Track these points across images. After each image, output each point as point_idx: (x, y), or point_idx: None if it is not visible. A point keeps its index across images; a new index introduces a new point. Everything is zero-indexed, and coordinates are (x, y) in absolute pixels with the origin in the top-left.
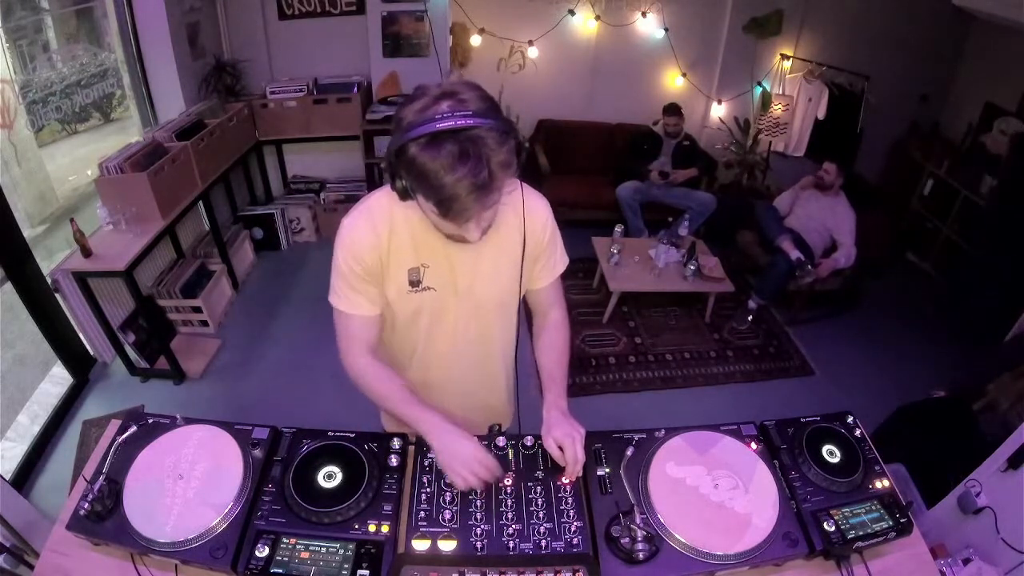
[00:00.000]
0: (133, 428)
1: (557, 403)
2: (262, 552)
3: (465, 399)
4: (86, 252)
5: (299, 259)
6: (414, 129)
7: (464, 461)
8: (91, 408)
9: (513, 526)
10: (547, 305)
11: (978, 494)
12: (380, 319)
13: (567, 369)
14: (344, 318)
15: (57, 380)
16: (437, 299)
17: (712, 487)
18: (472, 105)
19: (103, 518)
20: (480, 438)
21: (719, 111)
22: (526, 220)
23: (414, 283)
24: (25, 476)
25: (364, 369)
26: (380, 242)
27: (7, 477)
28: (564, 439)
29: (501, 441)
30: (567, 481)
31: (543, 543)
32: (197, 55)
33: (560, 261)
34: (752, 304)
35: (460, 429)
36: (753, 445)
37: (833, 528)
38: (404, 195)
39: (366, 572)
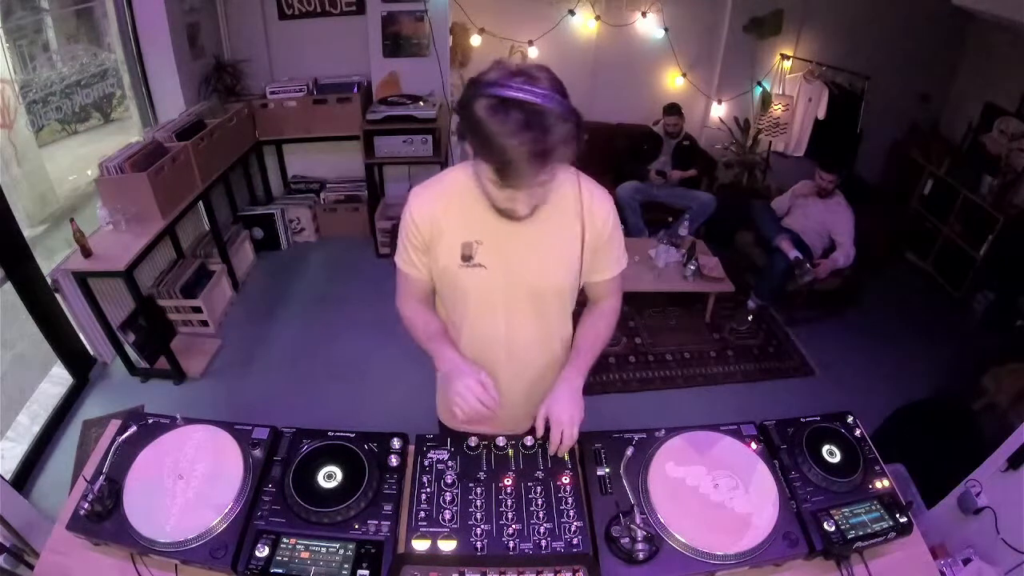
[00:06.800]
0: (133, 428)
1: (570, 377)
2: (262, 552)
3: (523, 385)
4: (86, 252)
5: (299, 259)
6: (485, 88)
7: (462, 387)
8: (91, 408)
9: (513, 526)
10: (603, 295)
11: (978, 494)
12: (429, 283)
13: (598, 352)
14: (400, 273)
15: (57, 380)
16: (487, 278)
17: (712, 487)
18: (543, 84)
19: (103, 518)
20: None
21: (719, 111)
22: (585, 209)
23: (466, 257)
24: (25, 476)
25: (408, 312)
26: (437, 214)
27: (7, 477)
28: (554, 415)
29: (501, 441)
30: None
31: (543, 543)
32: (197, 55)
33: (622, 258)
34: (751, 304)
35: (471, 365)
36: (753, 445)
37: (833, 528)
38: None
39: (366, 572)
